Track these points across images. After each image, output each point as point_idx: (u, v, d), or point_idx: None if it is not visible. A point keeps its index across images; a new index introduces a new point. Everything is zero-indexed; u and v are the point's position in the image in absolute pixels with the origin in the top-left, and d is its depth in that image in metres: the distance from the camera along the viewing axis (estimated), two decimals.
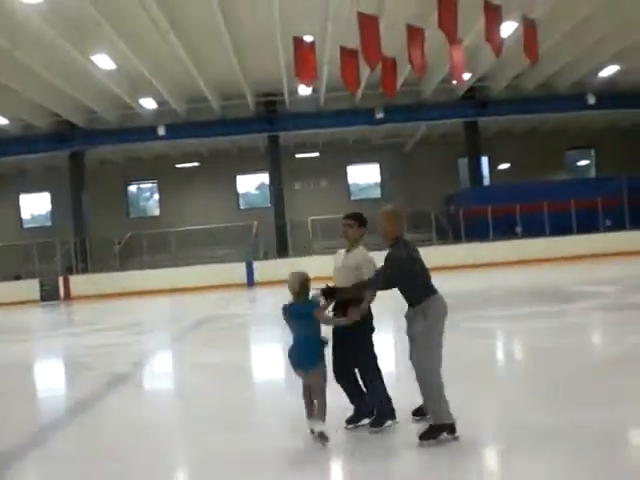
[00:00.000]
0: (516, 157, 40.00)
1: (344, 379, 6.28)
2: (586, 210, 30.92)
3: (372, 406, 6.23)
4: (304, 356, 5.91)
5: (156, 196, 42.48)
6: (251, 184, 43.08)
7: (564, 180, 39.79)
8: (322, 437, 5.82)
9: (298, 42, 17.42)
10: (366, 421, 6.23)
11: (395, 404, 6.19)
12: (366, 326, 6.10)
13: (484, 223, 31.05)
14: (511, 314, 14.23)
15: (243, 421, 7.11)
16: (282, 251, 33.23)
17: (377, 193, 42.17)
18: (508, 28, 20.50)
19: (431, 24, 17.94)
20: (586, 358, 9.14)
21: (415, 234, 32.87)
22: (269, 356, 12.00)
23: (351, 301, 5.99)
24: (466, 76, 26.37)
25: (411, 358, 5.95)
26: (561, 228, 30.13)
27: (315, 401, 5.95)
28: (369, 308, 6.10)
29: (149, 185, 42.98)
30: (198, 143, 36.30)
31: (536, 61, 18.40)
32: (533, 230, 30.21)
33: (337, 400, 6.25)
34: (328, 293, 5.99)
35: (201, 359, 11.42)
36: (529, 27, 17.45)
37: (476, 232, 31.05)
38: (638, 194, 31.63)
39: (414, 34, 17.39)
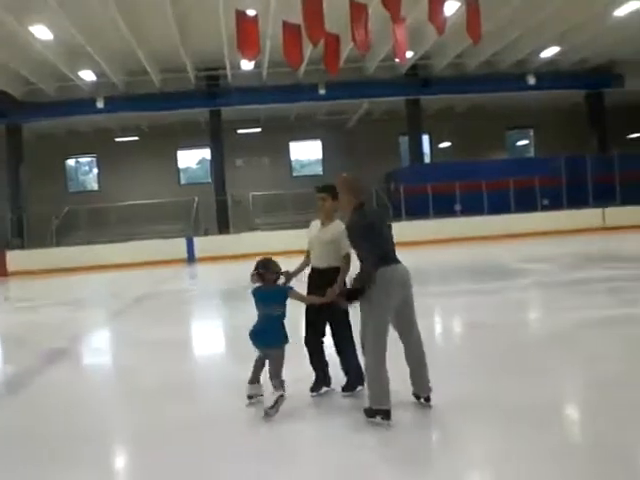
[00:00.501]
0: (457, 136, 40.39)
1: (312, 345, 6.48)
2: (524, 189, 31.40)
3: (345, 371, 6.52)
4: (271, 336, 6.11)
5: (95, 170, 41.82)
6: (192, 159, 42.72)
7: (503, 159, 40.37)
8: (267, 413, 5.99)
9: (241, 16, 17.27)
10: (325, 389, 6.56)
11: None
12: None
13: (424, 201, 31.30)
14: (451, 290, 14.43)
15: (185, 394, 7.12)
16: (223, 227, 33.10)
17: (319, 170, 42.21)
18: (451, 7, 20.61)
19: (375, 1, 17.94)
20: (524, 334, 9.34)
21: None
22: (210, 332, 12.01)
23: (330, 282, 6.10)
24: (409, 54, 26.43)
25: None
26: (500, 207, 30.55)
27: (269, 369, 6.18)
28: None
29: (88, 159, 42.24)
30: (138, 117, 35.70)
31: (478, 41, 18.54)
32: (472, 208, 30.58)
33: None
34: (351, 295, 5.80)
35: (141, 335, 11.33)
36: (472, 6, 17.58)
37: (416, 209, 31.26)
38: (575, 174, 32.26)
39: (357, 11, 17.35)
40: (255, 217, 33.98)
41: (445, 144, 41.87)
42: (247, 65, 28.59)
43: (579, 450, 5.01)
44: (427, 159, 39.87)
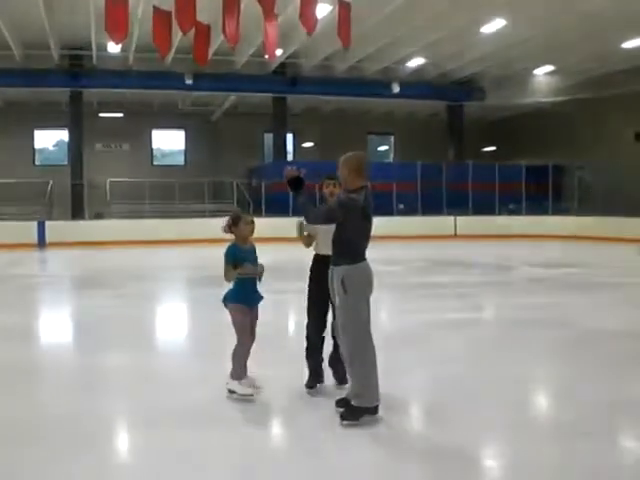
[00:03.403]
0: (321, 136, 40.83)
1: (314, 339, 6.60)
2: (382, 193, 32.10)
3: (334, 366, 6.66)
4: (226, 294, 6.30)
5: None
6: (49, 140, 41.19)
7: None
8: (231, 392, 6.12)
9: None
10: (318, 385, 6.61)
11: None
12: None
13: (284, 198, 31.31)
14: (299, 288, 14.55)
15: (24, 384, 6.88)
16: (77, 212, 32.13)
17: (181, 160, 41.72)
18: (323, 9, 20.85)
19: None
20: (373, 334, 9.54)
21: (215, 204, 32.93)
22: (56, 318, 11.67)
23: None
24: (279, 52, 26.57)
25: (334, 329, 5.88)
26: None
27: None
28: None
29: None
30: None
31: (348, 45, 18.80)
32: None
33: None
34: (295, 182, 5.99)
35: None
36: (344, 10, 17.82)
37: (276, 207, 31.34)
38: (431, 182, 33.30)
39: (230, 3, 17.26)
40: (112, 204, 33.18)
41: (309, 144, 42.26)
42: (114, 48, 27.85)
43: (413, 448, 5.17)
44: (290, 157, 40.12)
